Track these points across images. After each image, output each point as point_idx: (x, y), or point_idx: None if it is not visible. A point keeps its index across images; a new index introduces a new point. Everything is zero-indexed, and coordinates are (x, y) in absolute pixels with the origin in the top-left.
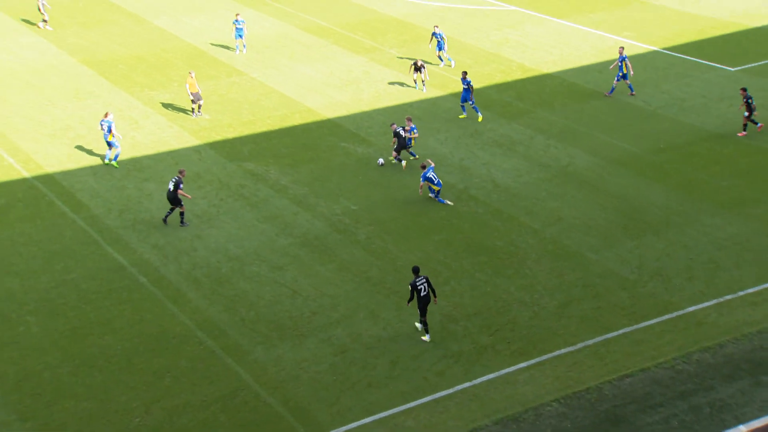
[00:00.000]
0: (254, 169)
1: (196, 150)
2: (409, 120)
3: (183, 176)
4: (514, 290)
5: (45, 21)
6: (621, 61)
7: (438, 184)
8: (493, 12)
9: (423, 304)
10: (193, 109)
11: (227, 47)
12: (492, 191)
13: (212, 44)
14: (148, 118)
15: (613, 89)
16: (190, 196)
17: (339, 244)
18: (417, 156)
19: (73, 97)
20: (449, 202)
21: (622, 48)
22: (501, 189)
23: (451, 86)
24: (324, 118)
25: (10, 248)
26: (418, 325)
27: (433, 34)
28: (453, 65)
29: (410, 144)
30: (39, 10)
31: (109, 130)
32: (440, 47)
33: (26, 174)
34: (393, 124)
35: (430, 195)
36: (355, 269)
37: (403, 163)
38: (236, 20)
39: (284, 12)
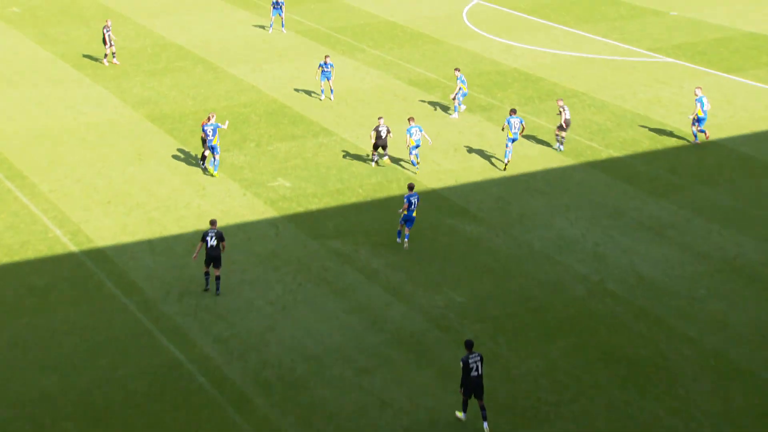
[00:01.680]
0: (340, 248)
1: (273, 223)
2: (411, 120)
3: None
4: (664, 415)
5: (110, 54)
6: None
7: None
8: (644, 65)
9: (474, 386)
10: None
11: (314, 95)
12: (635, 286)
13: (297, 97)
14: (218, 184)
15: None
16: (195, 256)
17: (440, 344)
18: (418, 168)
19: (134, 158)
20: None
21: None
22: (646, 284)
23: (587, 154)
24: (427, 189)
25: (49, 338)
26: (460, 414)
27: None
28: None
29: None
30: (104, 42)
31: (215, 133)
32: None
33: (74, 248)
34: (381, 117)
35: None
36: (459, 377)
37: (385, 158)
38: (324, 63)
39: (384, 60)
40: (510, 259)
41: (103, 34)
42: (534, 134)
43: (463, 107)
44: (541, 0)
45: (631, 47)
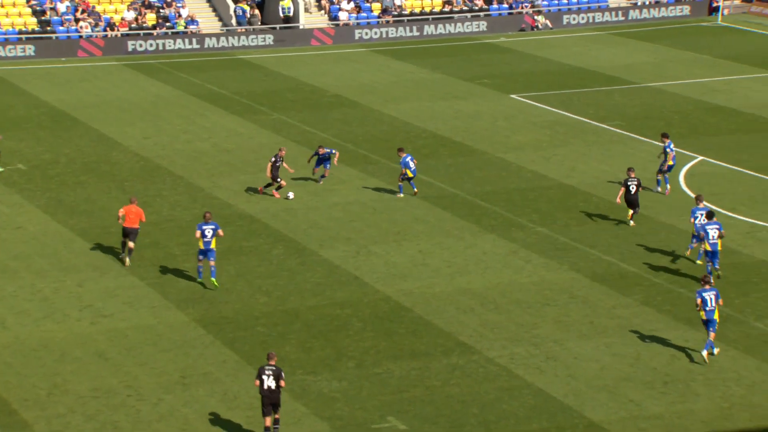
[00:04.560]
0: None
1: None
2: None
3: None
4: None
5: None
6: None
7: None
8: None
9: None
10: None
11: (439, 292)
12: None
13: (419, 296)
14: (300, 422)
15: None
16: None
17: None
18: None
19: (175, 383)
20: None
21: None
22: None
23: None
24: None
25: None
26: None
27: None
28: None
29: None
30: (269, 174)
31: (213, 234)
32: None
33: None
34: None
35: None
36: None
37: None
38: None
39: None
40: None
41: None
42: None
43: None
44: None
45: None
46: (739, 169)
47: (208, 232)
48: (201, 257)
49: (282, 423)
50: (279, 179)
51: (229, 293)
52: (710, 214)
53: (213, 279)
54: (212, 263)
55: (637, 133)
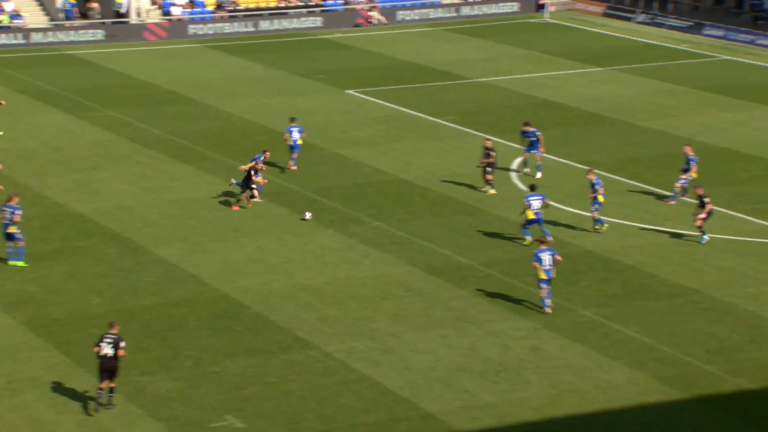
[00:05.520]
0: None
1: None
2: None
3: None
4: None
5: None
6: None
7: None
8: None
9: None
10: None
11: (275, 288)
12: None
13: (258, 293)
14: (133, 424)
15: None
16: None
17: None
18: None
19: (1, 389)
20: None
21: None
22: None
23: (701, 384)
24: None
25: None
26: None
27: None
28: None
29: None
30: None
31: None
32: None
33: None
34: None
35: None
36: None
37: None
38: None
39: None
40: None
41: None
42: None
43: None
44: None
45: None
46: (566, 161)
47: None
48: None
49: (116, 426)
50: (253, 187)
51: (59, 295)
52: (532, 187)
53: (17, 262)
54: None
55: (471, 127)
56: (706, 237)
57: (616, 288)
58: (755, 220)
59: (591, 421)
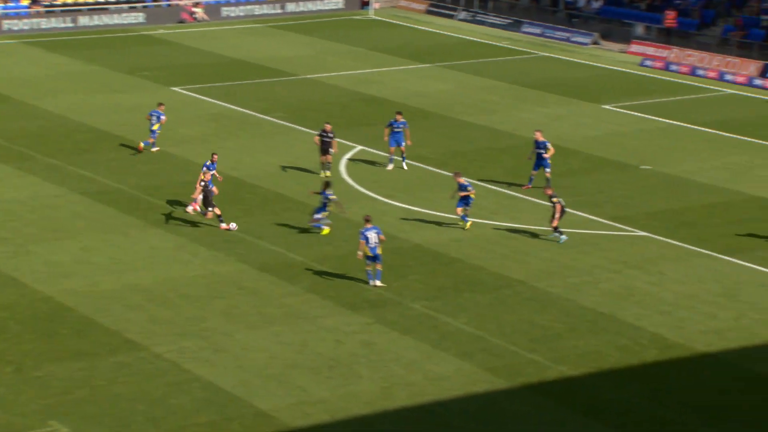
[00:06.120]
0: None
1: None
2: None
3: None
4: None
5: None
6: None
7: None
8: (614, 240)
9: None
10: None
11: (102, 287)
12: None
13: (86, 294)
14: None
15: None
16: None
17: None
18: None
19: None
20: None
21: None
22: None
23: (527, 372)
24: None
25: None
26: None
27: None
28: None
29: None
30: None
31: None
32: None
33: None
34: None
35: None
36: None
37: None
38: None
39: None
40: None
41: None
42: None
43: None
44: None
45: (590, 216)
46: (395, 157)
47: None
48: None
49: None
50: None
51: None
52: (327, 185)
53: None
54: None
55: (300, 123)
56: (564, 237)
57: (445, 281)
58: (574, 212)
59: (421, 413)
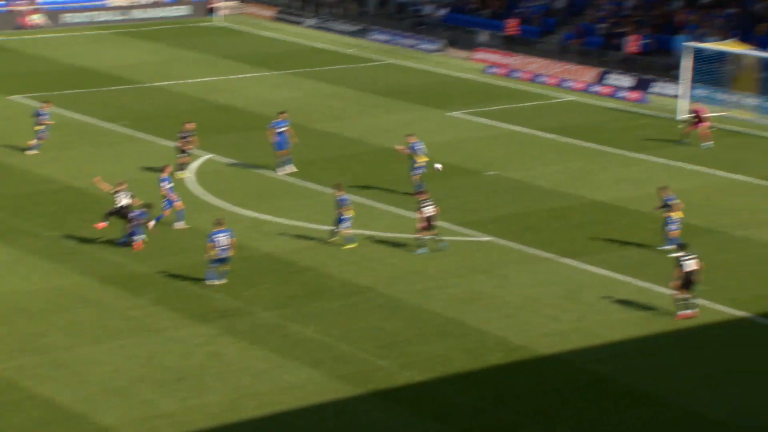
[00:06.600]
0: None
1: None
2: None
3: None
4: None
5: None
6: None
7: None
8: (461, 245)
9: None
10: None
11: None
12: None
13: None
14: None
15: None
16: None
17: None
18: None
19: None
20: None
21: None
22: None
23: (375, 378)
24: None
25: None
26: None
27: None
28: None
29: None
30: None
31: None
32: None
33: None
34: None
35: None
36: None
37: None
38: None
39: None
40: None
41: None
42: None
43: None
44: None
45: (438, 222)
46: (244, 165)
47: None
48: None
49: None
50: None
51: None
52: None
53: None
54: None
55: (146, 132)
56: (424, 249)
57: (296, 289)
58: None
59: (270, 423)
